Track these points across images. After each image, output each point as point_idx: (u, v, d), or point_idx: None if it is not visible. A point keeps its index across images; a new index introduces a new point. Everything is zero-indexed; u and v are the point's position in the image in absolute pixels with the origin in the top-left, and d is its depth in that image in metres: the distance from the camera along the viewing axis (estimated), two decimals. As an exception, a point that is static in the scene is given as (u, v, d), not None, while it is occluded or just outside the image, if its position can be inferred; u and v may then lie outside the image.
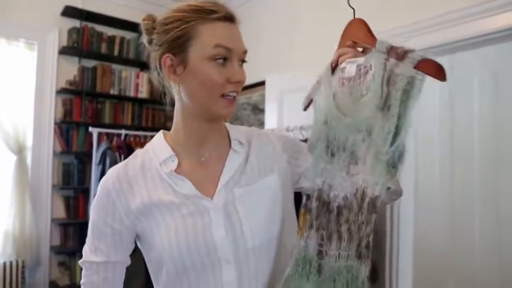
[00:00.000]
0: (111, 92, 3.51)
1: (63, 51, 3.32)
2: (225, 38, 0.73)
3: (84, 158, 3.38)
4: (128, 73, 3.60)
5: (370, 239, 0.64)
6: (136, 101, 3.66)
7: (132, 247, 0.81)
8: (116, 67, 3.56)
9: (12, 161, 3.10)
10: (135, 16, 3.24)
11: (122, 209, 0.76)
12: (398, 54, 0.65)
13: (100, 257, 0.77)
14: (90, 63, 3.46)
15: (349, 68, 0.73)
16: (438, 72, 0.62)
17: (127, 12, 3.46)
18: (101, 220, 0.77)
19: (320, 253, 0.71)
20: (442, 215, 3.01)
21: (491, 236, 2.80)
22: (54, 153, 3.30)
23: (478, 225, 2.88)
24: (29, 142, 3.20)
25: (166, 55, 0.75)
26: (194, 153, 0.80)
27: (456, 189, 2.99)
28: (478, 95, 2.94)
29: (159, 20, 0.77)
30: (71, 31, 3.34)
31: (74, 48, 3.33)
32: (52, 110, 3.27)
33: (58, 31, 3.30)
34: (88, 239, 0.80)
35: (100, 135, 3.05)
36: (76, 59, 3.41)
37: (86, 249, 0.79)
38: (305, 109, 0.84)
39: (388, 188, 0.77)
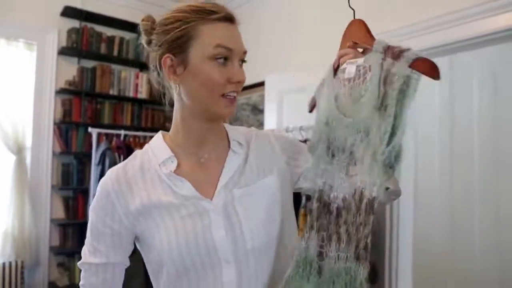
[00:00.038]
0: (111, 92, 3.51)
1: (63, 52, 3.32)
2: (225, 38, 0.73)
3: (84, 158, 3.37)
4: (128, 73, 3.60)
5: (368, 241, 0.64)
6: (136, 102, 3.66)
7: (131, 248, 0.81)
8: (115, 67, 3.56)
9: (12, 161, 3.10)
10: (134, 16, 3.24)
11: (121, 210, 0.76)
12: (394, 53, 0.65)
13: (100, 259, 0.77)
14: (89, 64, 3.46)
15: (349, 69, 0.73)
16: (432, 71, 0.62)
17: (127, 13, 3.46)
18: (100, 221, 0.77)
19: (320, 255, 0.71)
20: (442, 215, 3.01)
21: (491, 236, 2.80)
22: (54, 154, 3.29)
23: (478, 225, 2.88)
24: (28, 142, 3.20)
25: (166, 55, 0.75)
26: (194, 154, 0.80)
27: (455, 189, 2.99)
28: (477, 95, 2.94)
29: (158, 21, 0.77)
30: (70, 31, 3.34)
31: (73, 48, 3.33)
32: (51, 111, 3.27)
33: (58, 31, 3.30)
34: (87, 241, 0.79)
35: (99, 135, 3.04)
36: (75, 59, 3.41)
37: (85, 251, 0.79)
38: (310, 111, 0.84)
39: (387, 188, 0.77)
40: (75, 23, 3.36)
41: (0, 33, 3.06)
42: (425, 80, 0.65)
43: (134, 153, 0.84)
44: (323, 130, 0.76)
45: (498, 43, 1.83)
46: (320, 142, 0.76)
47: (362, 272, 0.63)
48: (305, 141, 2.03)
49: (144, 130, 3.51)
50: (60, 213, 3.33)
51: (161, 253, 0.74)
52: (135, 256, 0.84)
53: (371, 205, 0.65)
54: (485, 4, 1.74)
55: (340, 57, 0.78)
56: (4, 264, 2.91)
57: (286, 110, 2.59)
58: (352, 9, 0.82)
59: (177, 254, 0.73)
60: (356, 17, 0.81)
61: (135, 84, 3.63)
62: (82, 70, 3.38)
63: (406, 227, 2.20)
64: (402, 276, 2.19)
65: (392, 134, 0.62)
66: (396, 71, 0.64)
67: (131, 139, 3.17)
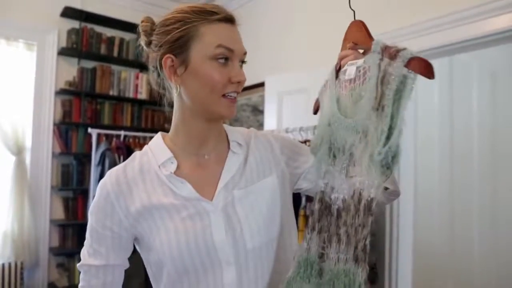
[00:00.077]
0: (111, 93, 3.51)
1: (63, 52, 3.32)
2: (226, 38, 0.73)
3: (83, 159, 3.37)
4: (128, 74, 3.60)
5: (367, 242, 0.64)
6: (136, 102, 3.66)
7: (131, 250, 0.81)
8: (115, 68, 3.56)
9: (11, 162, 3.09)
10: (134, 17, 3.25)
11: (121, 212, 0.76)
12: (391, 53, 0.65)
13: (99, 261, 0.77)
14: (89, 64, 3.46)
15: (349, 70, 0.73)
16: (427, 70, 0.62)
17: (127, 13, 3.47)
18: (100, 223, 0.77)
19: (321, 256, 0.72)
20: (441, 216, 3.02)
21: (490, 239, 2.80)
22: (53, 154, 3.29)
23: (477, 227, 2.88)
24: (28, 143, 3.20)
25: (167, 55, 0.75)
26: (193, 154, 0.80)
27: (455, 191, 3.00)
28: (477, 95, 2.95)
29: (158, 22, 0.78)
30: (70, 32, 3.34)
31: (73, 49, 3.33)
32: (51, 111, 3.27)
33: (58, 32, 3.30)
34: (86, 242, 0.79)
35: (99, 136, 3.04)
36: (75, 60, 3.42)
37: (84, 252, 0.79)
38: (315, 113, 0.84)
39: (386, 189, 0.77)
40: (75, 24, 3.36)
41: (0, 33, 3.06)
42: (425, 81, 0.65)
43: (133, 155, 0.83)
44: (325, 132, 0.76)
45: (497, 44, 1.84)
46: (323, 144, 0.76)
47: (361, 274, 0.63)
48: (305, 141, 2.03)
49: (144, 130, 3.50)
50: (60, 214, 3.33)
51: (161, 254, 0.74)
52: (135, 256, 0.83)
53: (369, 206, 0.65)
54: (483, 6, 1.74)
55: (341, 58, 0.79)
56: (3, 264, 2.90)
57: (286, 111, 2.59)
58: (353, 10, 0.82)
59: (178, 255, 0.73)
60: (356, 18, 0.81)
61: (135, 84, 3.63)
62: (82, 71, 3.38)
63: (406, 228, 2.20)
64: (402, 278, 2.19)
65: (389, 135, 0.62)
66: (392, 71, 0.64)
67: (131, 140, 3.17)
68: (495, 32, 1.73)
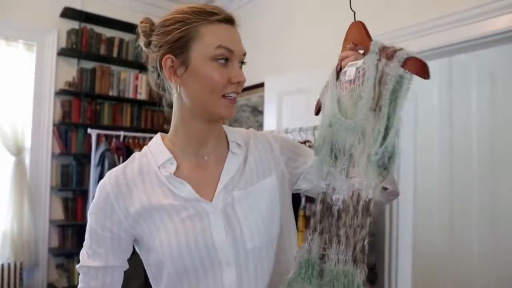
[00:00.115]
0: (110, 93, 3.51)
1: (62, 53, 3.31)
2: (226, 39, 0.73)
3: (83, 159, 3.37)
4: (127, 74, 3.60)
5: (365, 243, 0.64)
6: (135, 103, 3.66)
7: (131, 251, 0.81)
8: (115, 68, 3.56)
9: (11, 162, 3.09)
10: (134, 17, 3.24)
11: (120, 213, 0.76)
12: (388, 54, 0.66)
13: (99, 262, 0.77)
14: (89, 65, 3.46)
15: (349, 71, 0.74)
16: (422, 70, 0.62)
17: (126, 14, 3.46)
18: (100, 224, 0.77)
19: (322, 257, 0.72)
20: (441, 217, 3.02)
21: (489, 239, 2.80)
22: (53, 155, 3.29)
23: (477, 227, 2.88)
24: (27, 143, 3.19)
25: (167, 56, 0.75)
26: (193, 155, 0.80)
27: (454, 191, 3.00)
28: (476, 96, 2.95)
29: (158, 22, 0.78)
30: (70, 32, 3.34)
31: (73, 49, 3.33)
32: (50, 112, 3.27)
33: (57, 32, 3.30)
34: (85, 244, 0.79)
35: (99, 136, 3.04)
36: (75, 60, 3.41)
37: (83, 254, 0.78)
38: (316, 114, 0.84)
39: (385, 189, 0.77)
40: (75, 24, 3.36)
41: (0, 33, 3.06)
42: (425, 81, 0.65)
43: (132, 155, 0.83)
44: (327, 133, 0.76)
45: (497, 45, 1.84)
46: (324, 145, 0.76)
47: (359, 275, 0.63)
48: (304, 142, 2.03)
49: (143, 131, 3.50)
50: (59, 214, 3.33)
51: (161, 255, 0.74)
52: (134, 258, 0.83)
53: (367, 207, 0.65)
54: (483, 6, 1.74)
55: (341, 59, 0.79)
56: (2, 265, 2.90)
57: (285, 111, 2.59)
58: (353, 11, 0.82)
59: (178, 256, 0.73)
60: (356, 19, 0.81)
61: (135, 85, 3.63)
62: (81, 71, 3.38)
63: (406, 228, 2.21)
64: (402, 278, 2.19)
65: (385, 135, 0.62)
66: (389, 71, 0.64)
67: (130, 140, 3.16)
68: (495, 32, 1.73)
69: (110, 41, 3.52)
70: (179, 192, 0.76)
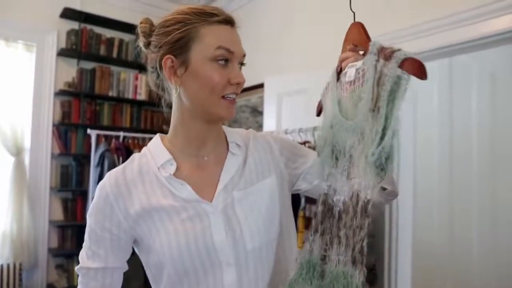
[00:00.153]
0: (110, 94, 3.51)
1: (62, 53, 3.31)
2: (226, 40, 0.74)
3: (83, 160, 3.37)
4: (127, 75, 3.60)
5: (364, 244, 0.64)
6: (135, 103, 3.66)
7: (130, 252, 0.81)
8: (114, 69, 3.56)
9: (10, 162, 3.09)
10: (134, 18, 3.23)
11: (120, 213, 0.76)
12: (386, 54, 0.66)
13: (98, 263, 0.76)
14: (88, 65, 3.46)
15: (350, 72, 0.74)
16: (420, 71, 0.62)
17: (126, 14, 3.46)
18: (99, 225, 0.76)
19: (324, 258, 0.72)
20: (441, 217, 3.02)
21: (489, 239, 2.80)
22: (52, 155, 3.29)
23: (477, 228, 2.88)
24: (27, 143, 3.19)
25: (167, 56, 0.75)
26: (192, 156, 0.80)
27: (454, 191, 3.00)
28: (476, 97, 2.95)
29: (158, 23, 0.78)
30: (69, 33, 3.34)
31: (72, 50, 3.33)
32: (50, 112, 3.27)
33: (57, 32, 3.30)
34: (85, 245, 0.79)
35: (98, 137, 3.04)
36: (74, 61, 3.41)
37: (83, 255, 0.78)
38: (318, 115, 0.84)
39: (384, 189, 0.77)
40: (75, 25, 3.36)
41: (0, 34, 3.07)
42: (425, 81, 0.65)
43: (132, 156, 0.83)
44: (328, 134, 0.76)
45: (497, 45, 1.84)
46: (325, 146, 0.76)
47: (358, 276, 0.63)
48: (304, 143, 2.03)
49: (143, 131, 3.50)
50: (59, 215, 3.33)
51: (161, 256, 0.74)
52: (134, 259, 0.83)
53: (365, 208, 0.65)
54: (483, 7, 1.74)
55: (341, 60, 0.79)
56: (2, 265, 2.90)
57: (285, 112, 2.59)
58: (353, 11, 0.82)
59: (178, 256, 0.72)
60: (356, 19, 0.81)
61: (134, 85, 3.63)
62: (81, 72, 3.38)
63: (406, 228, 2.20)
64: (401, 278, 2.18)
65: (383, 135, 0.62)
66: (387, 71, 0.64)
67: (130, 141, 3.16)
68: (495, 33, 1.73)
69: (109, 41, 3.52)
70: (179, 193, 0.76)
